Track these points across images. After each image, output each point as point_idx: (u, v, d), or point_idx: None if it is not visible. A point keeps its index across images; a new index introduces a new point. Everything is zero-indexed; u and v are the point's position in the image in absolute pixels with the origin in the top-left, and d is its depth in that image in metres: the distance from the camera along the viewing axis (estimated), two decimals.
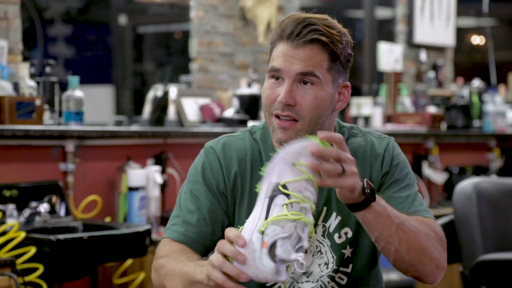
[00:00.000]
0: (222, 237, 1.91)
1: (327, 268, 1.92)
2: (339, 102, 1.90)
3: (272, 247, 1.61)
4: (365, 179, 1.71)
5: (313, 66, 1.83)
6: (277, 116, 1.85)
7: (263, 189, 1.65)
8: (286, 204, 1.63)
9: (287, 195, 1.63)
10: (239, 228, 1.65)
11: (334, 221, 1.92)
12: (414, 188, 1.94)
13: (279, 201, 1.63)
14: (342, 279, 1.93)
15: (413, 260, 1.79)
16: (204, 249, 1.90)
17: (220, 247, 1.63)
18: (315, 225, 1.90)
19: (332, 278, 1.92)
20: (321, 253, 1.92)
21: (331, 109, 1.88)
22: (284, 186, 1.63)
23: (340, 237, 1.92)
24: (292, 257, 1.61)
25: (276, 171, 1.65)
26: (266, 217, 1.62)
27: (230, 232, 1.63)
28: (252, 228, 1.63)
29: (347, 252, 1.92)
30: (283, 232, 1.61)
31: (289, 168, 1.65)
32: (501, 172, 6.00)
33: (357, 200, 1.70)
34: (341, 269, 1.92)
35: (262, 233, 1.61)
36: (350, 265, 1.93)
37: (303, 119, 1.84)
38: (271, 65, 1.86)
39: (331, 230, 1.92)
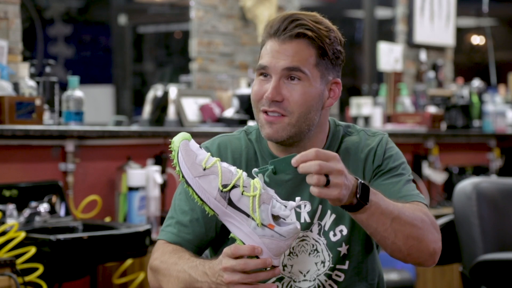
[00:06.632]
0: (216, 236, 1.92)
1: (324, 266, 1.92)
2: (329, 99, 1.90)
3: (275, 219, 1.65)
4: (359, 181, 1.69)
5: (299, 61, 1.83)
6: (265, 112, 1.85)
7: (217, 207, 1.67)
8: (242, 191, 1.65)
9: (232, 188, 1.65)
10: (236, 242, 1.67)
11: (329, 219, 1.92)
12: (406, 176, 1.93)
13: (235, 197, 1.65)
14: (339, 276, 1.93)
15: (410, 249, 1.78)
16: (197, 249, 1.91)
17: (232, 253, 1.65)
18: (311, 224, 1.91)
19: (329, 276, 1.92)
20: (317, 252, 1.92)
21: (320, 105, 1.88)
22: (224, 186, 1.65)
23: (335, 235, 1.92)
24: (292, 205, 1.65)
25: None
26: (248, 214, 1.64)
27: (241, 248, 1.64)
28: (250, 231, 1.64)
29: (343, 249, 1.92)
30: (268, 203, 1.64)
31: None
32: (501, 172, 5.99)
33: (350, 203, 1.69)
34: (338, 266, 1.92)
35: (262, 224, 1.63)
36: (347, 262, 1.93)
37: (291, 114, 1.84)
38: (259, 63, 1.87)
39: (326, 228, 1.92)
